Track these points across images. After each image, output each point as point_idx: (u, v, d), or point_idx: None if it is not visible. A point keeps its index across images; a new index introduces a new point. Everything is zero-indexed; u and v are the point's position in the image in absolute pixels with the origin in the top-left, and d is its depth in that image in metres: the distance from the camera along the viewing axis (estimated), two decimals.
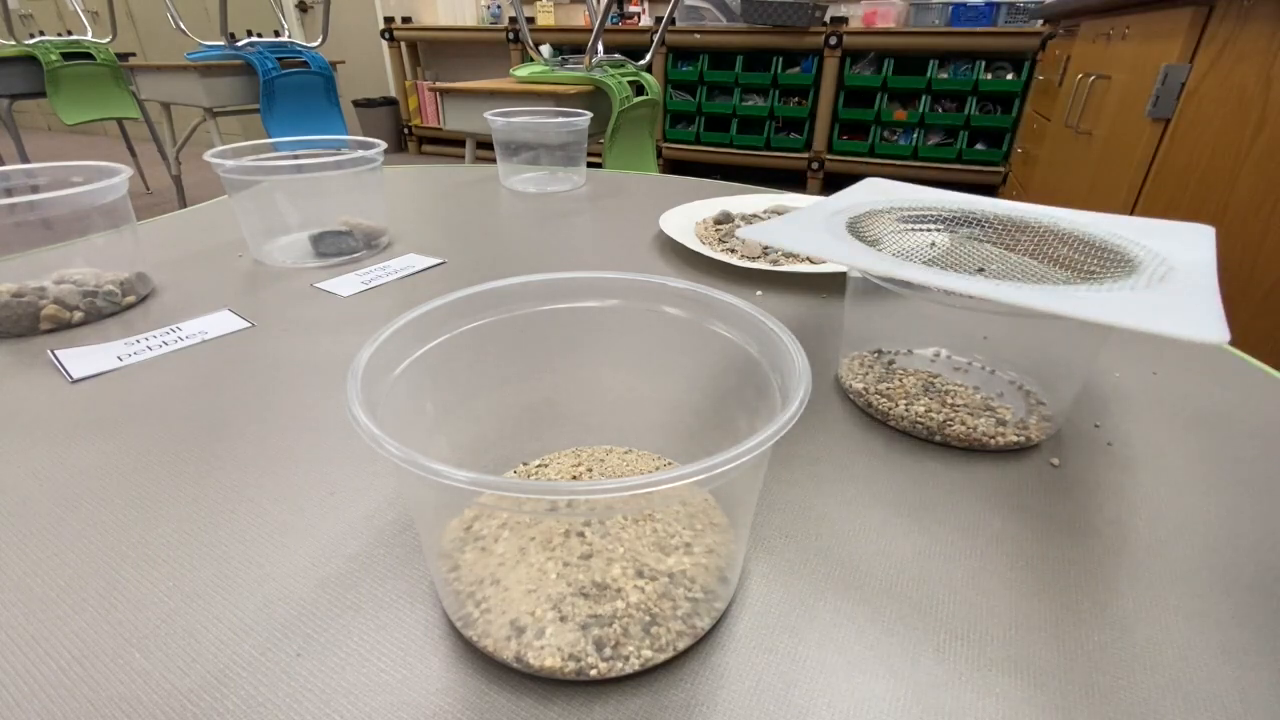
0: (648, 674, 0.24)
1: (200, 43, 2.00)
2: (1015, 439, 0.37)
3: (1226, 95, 0.89)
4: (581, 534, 0.26)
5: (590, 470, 0.32)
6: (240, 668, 0.24)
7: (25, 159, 2.14)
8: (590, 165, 1.01)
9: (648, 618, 0.24)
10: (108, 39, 2.32)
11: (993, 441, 0.37)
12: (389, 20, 3.61)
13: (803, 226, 0.40)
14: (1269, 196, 0.87)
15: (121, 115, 2.35)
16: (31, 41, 2.15)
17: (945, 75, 2.69)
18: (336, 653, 0.25)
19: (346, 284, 0.59)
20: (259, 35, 2.08)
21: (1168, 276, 0.33)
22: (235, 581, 0.28)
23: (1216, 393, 0.44)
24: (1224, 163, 0.91)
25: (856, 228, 0.42)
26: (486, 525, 0.27)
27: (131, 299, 0.55)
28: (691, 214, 0.76)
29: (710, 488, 0.27)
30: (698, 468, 0.18)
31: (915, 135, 2.79)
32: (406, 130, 3.85)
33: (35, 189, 0.55)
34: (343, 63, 2.43)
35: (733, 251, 0.65)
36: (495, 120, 0.89)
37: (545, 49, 1.96)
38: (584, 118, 0.92)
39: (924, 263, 0.37)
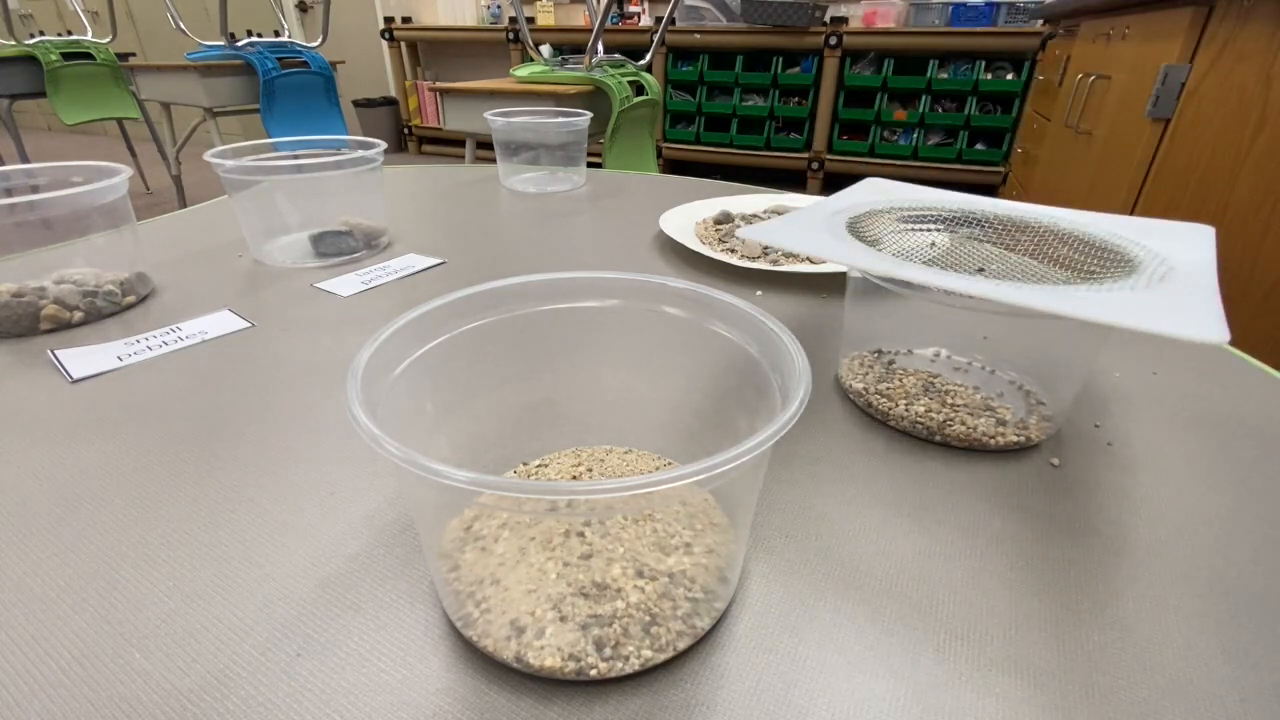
0: (648, 674, 0.24)
1: (200, 43, 2.00)
2: (1015, 439, 0.37)
3: (1226, 95, 0.89)
4: (581, 534, 0.26)
5: (590, 470, 0.32)
6: (240, 668, 0.24)
7: (25, 159, 2.14)
8: (590, 165, 1.01)
9: (648, 618, 0.24)
10: (108, 39, 2.32)
11: (993, 441, 0.37)
12: (389, 20, 3.61)
13: (803, 226, 0.40)
14: (1269, 196, 0.87)
15: (121, 115, 2.35)
16: (31, 41, 2.15)
17: (945, 75, 2.69)
18: (336, 653, 0.25)
19: (346, 284, 0.59)
20: (259, 35, 2.08)
21: (1168, 276, 0.33)
22: (235, 581, 0.28)
23: (1216, 393, 0.44)
24: (1224, 163, 0.91)
25: (856, 228, 0.42)
26: (486, 525, 0.27)
27: (131, 299, 0.55)
28: (691, 214, 0.76)
29: (710, 488, 0.27)
30: (698, 468, 0.18)
31: (915, 135, 2.79)
32: (406, 130, 3.85)
33: (35, 189, 0.55)
34: (343, 63, 2.43)
35: (733, 251, 0.65)
36: (495, 120, 0.89)
37: (545, 49, 1.96)
38: (584, 118, 0.92)
39: (924, 263, 0.37)
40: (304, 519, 0.31)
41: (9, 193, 0.54)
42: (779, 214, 0.69)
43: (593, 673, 0.23)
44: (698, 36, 2.90)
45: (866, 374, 0.42)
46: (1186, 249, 0.37)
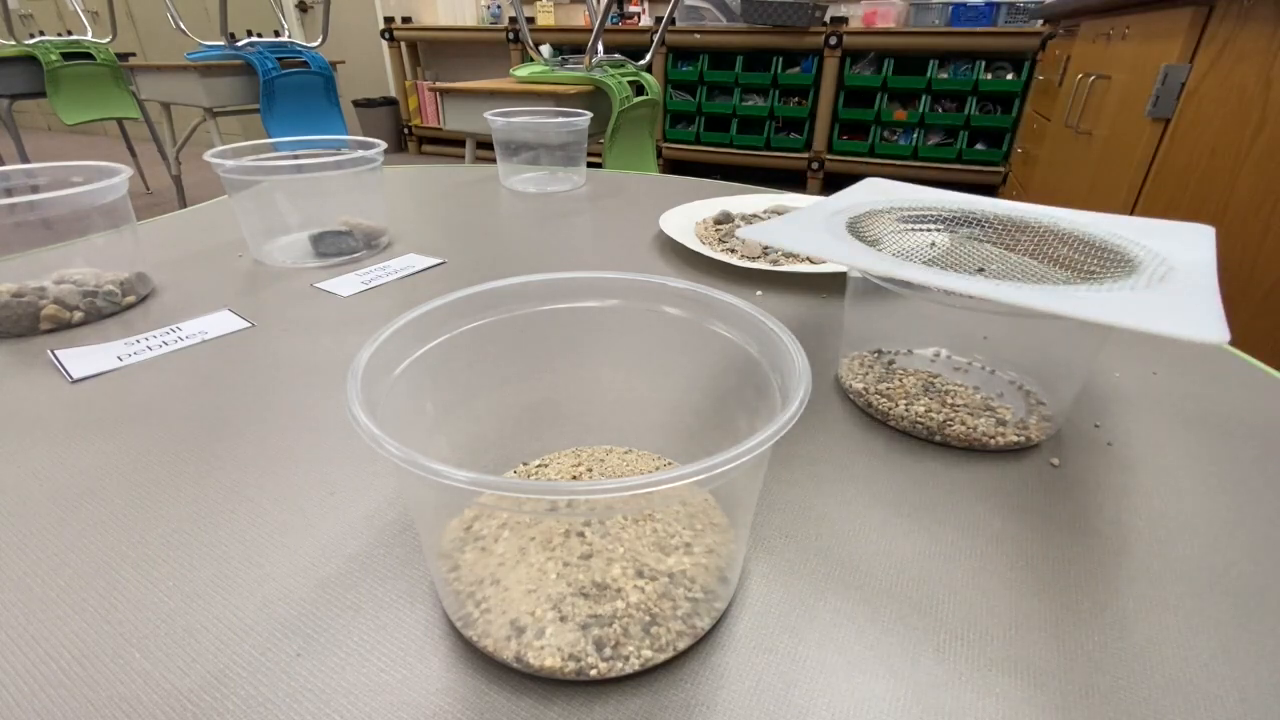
0: (648, 674, 0.24)
1: (200, 43, 2.00)
2: (1015, 439, 0.37)
3: (1226, 95, 0.89)
4: (581, 534, 0.26)
5: (590, 470, 0.32)
6: (240, 668, 0.24)
7: (25, 159, 2.14)
8: (590, 165, 1.01)
9: (648, 618, 0.24)
10: (108, 39, 2.32)
11: (993, 441, 0.37)
12: (389, 20, 3.61)
13: (803, 226, 0.40)
14: (1269, 196, 0.87)
15: (121, 115, 2.35)
16: (31, 41, 2.15)
17: (945, 75, 2.69)
18: (336, 653, 0.25)
19: (346, 284, 0.59)
20: (259, 35, 2.08)
21: (1168, 276, 0.33)
22: (235, 581, 0.28)
23: (1216, 393, 0.44)
24: (1224, 163, 0.90)
25: (856, 228, 0.42)
26: (486, 525, 0.27)
27: (131, 299, 0.55)
28: (691, 214, 0.76)
29: (710, 488, 0.27)
30: (698, 468, 0.18)
31: (915, 135, 2.79)
32: (406, 130, 3.85)
33: (35, 189, 0.55)
34: (343, 63, 2.43)
35: (733, 251, 0.65)
36: (495, 120, 0.89)
37: (545, 49, 1.96)
38: (584, 118, 0.92)
39: (924, 263, 0.37)
40: (304, 519, 0.31)
41: (9, 193, 0.54)
42: (779, 214, 0.69)
43: (593, 673, 0.23)
44: (698, 36, 2.90)
45: (866, 374, 0.42)
46: (1186, 249, 0.37)
